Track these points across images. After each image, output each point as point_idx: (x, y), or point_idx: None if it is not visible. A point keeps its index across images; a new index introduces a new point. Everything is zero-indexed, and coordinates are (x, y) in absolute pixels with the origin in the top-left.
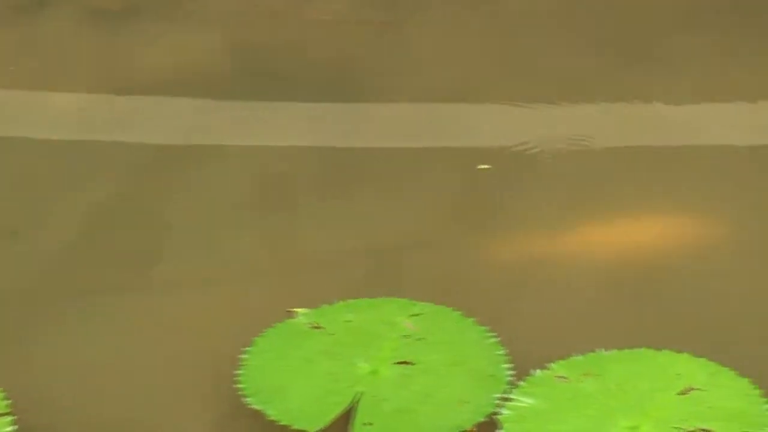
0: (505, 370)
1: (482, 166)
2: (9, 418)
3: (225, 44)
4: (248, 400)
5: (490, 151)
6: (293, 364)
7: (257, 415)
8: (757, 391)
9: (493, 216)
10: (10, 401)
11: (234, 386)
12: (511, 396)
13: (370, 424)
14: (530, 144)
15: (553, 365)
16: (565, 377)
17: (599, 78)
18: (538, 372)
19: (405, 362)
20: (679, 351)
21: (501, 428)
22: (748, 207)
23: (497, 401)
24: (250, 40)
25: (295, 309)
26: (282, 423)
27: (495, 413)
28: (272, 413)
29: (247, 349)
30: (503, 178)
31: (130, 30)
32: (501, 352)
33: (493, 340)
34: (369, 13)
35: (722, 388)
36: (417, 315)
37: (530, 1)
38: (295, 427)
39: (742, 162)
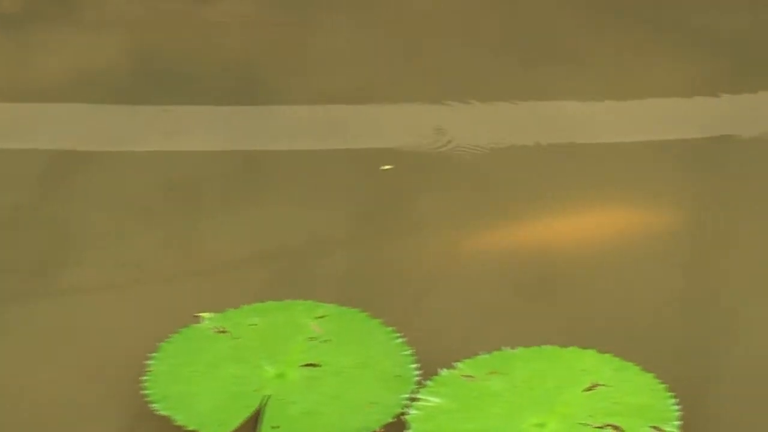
0: (412, 370)
1: (385, 167)
2: None
3: (127, 48)
4: (155, 405)
5: (395, 152)
6: (200, 368)
7: (164, 420)
8: (662, 386)
9: (398, 216)
10: None
11: (140, 392)
12: (419, 396)
13: (278, 427)
14: (435, 144)
15: (459, 364)
16: (471, 376)
17: (504, 77)
18: (445, 371)
19: (312, 365)
20: (585, 347)
21: (409, 428)
22: (654, 205)
23: (405, 402)
24: (152, 43)
25: (200, 313)
26: (190, 428)
27: (403, 414)
28: (179, 418)
29: (153, 354)
30: (408, 179)
31: (30, 35)
32: (408, 352)
33: (399, 340)
34: (273, 15)
35: (628, 384)
36: (323, 317)
37: (434, 1)
38: None
39: (647, 159)
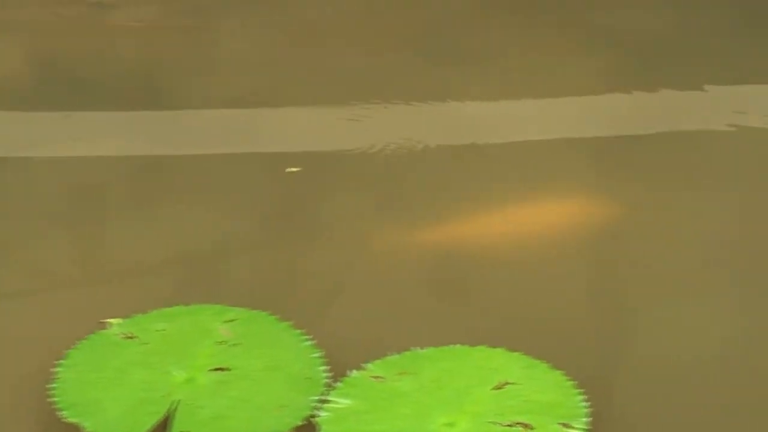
0: (322, 372)
1: (291, 169)
2: None
3: (27, 54)
4: (63, 413)
5: (302, 155)
6: (108, 375)
7: (73, 428)
8: (571, 383)
9: (306, 218)
10: None
11: (48, 399)
12: (329, 398)
13: None
14: (343, 146)
15: (369, 365)
16: (381, 377)
17: (411, 78)
18: (355, 373)
19: (221, 369)
20: (494, 346)
21: (319, 430)
22: (562, 204)
23: (315, 404)
24: (53, 49)
25: (108, 319)
26: None
27: (313, 416)
28: (88, 425)
29: (61, 361)
30: (316, 181)
31: None
32: (317, 354)
33: (308, 343)
34: (175, 19)
35: (537, 381)
36: (232, 321)
37: (338, 3)
38: None
39: (556, 158)
